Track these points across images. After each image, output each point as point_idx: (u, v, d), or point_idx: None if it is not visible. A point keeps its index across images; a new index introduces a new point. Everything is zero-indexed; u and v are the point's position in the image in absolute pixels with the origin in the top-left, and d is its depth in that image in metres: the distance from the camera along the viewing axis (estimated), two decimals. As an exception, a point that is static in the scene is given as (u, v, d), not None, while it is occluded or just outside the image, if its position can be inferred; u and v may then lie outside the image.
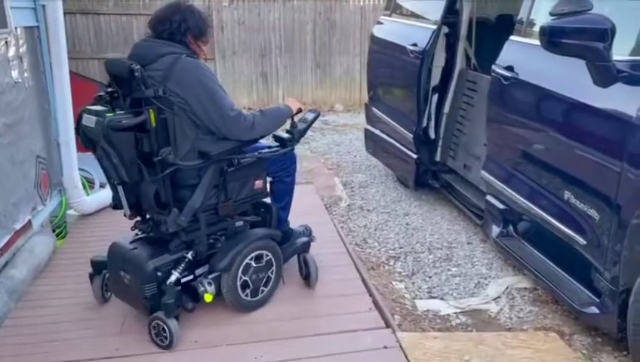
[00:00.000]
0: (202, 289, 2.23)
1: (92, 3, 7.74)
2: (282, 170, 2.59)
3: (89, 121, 2.04)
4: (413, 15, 4.18)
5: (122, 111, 2.09)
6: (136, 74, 2.03)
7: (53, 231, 3.33)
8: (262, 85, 8.40)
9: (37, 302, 2.53)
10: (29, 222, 2.90)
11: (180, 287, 2.22)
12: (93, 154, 2.19)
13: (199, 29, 2.27)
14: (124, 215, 2.33)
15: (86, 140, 2.13)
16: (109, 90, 2.22)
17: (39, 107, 3.19)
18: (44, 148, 3.22)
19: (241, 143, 2.32)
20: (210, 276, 2.29)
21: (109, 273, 2.36)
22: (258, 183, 2.45)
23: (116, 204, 2.33)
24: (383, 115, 4.32)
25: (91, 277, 2.46)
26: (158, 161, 2.08)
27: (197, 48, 2.29)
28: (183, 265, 2.25)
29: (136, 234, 2.36)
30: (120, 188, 2.22)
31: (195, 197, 2.21)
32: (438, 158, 3.90)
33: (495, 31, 3.14)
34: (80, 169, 3.54)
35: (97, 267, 2.43)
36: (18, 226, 2.77)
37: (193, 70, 2.16)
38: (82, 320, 2.36)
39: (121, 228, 2.42)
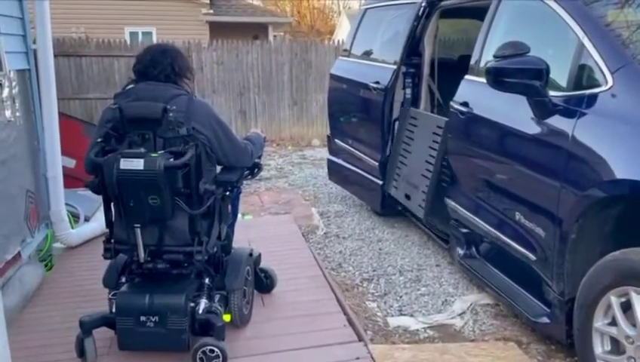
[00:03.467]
0: (219, 311, 2.33)
1: (74, 46, 8.01)
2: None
3: (134, 164, 2.05)
4: (372, 56, 4.48)
5: (162, 151, 2.12)
6: (171, 114, 2.12)
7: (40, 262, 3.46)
8: (241, 122, 8.68)
9: (27, 327, 2.66)
10: (19, 253, 3.04)
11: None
12: (111, 198, 2.20)
13: (187, 68, 2.41)
14: (135, 261, 2.27)
15: (116, 184, 2.08)
16: (121, 133, 2.18)
17: (29, 144, 3.37)
18: (33, 183, 3.39)
19: (244, 170, 2.53)
20: (217, 298, 2.39)
21: (122, 326, 2.23)
22: (229, 207, 2.60)
23: (112, 255, 2.31)
24: (347, 146, 4.62)
25: (80, 341, 2.27)
26: (204, 191, 2.18)
27: (186, 87, 2.40)
28: (205, 291, 2.33)
29: (129, 281, 2.32)
30: (138, 232, 2.17)
31: (216, 224, 2.35)
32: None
33: (458, 70, 3.43)
34: (66, 204, 3.70)
35: (90, 326, 2.30)
36: (9, 257, 2.91)
37: (208, 109, 2.33)
38: (72, 343, 2.45)
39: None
